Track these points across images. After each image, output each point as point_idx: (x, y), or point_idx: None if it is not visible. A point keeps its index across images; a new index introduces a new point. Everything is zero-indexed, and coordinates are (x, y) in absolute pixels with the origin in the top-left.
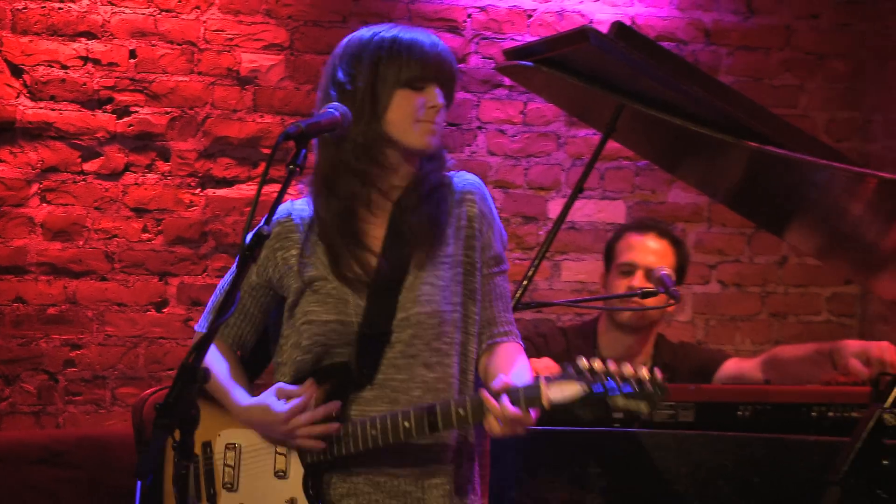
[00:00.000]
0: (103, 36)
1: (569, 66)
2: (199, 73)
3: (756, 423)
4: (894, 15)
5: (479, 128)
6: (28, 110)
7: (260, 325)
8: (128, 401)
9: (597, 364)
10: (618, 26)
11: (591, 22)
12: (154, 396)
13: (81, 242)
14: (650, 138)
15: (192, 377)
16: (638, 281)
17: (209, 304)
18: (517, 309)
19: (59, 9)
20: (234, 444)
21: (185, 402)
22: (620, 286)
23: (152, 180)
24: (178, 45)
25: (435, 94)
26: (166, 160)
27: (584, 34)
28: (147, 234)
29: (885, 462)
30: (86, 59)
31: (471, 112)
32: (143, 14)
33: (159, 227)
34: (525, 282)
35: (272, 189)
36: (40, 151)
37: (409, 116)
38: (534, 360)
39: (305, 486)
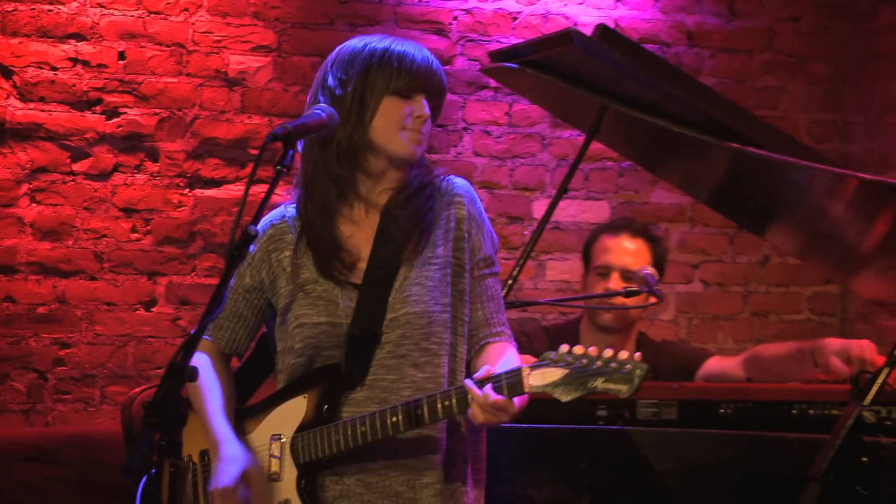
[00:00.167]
0: (92, 38)
1: (553, 67)
2: (188, 75)
3: (738, 420)
4: (874, 18)
5: (465, 129)
6: (18, 111)
7: (254, 329)
8: (117, 399)
9: (577, 349)
10: (601, 29)
11: (575, 24)
12: (143, 395)
13: (71, 242)
14: (633, 139)
15: (181, 376)
16: (614, 283)
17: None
18: None
19: (49, 11)
20: None
21: (173, 401)
22: (598, 288)
23: (141, 181)
24: (167, 46)
25: (422, 104)
26: (155, 161)
27: (568, 36)
28: (136, 234)
29: (864, 459)
30: (75, 61)
31: (456, 113)
32: (132, 16)
33: (148, 227)
34: (510, 281)
35: (260, 189)
36: (30, 152)
37: (395, 124)
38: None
39: (299, 487)
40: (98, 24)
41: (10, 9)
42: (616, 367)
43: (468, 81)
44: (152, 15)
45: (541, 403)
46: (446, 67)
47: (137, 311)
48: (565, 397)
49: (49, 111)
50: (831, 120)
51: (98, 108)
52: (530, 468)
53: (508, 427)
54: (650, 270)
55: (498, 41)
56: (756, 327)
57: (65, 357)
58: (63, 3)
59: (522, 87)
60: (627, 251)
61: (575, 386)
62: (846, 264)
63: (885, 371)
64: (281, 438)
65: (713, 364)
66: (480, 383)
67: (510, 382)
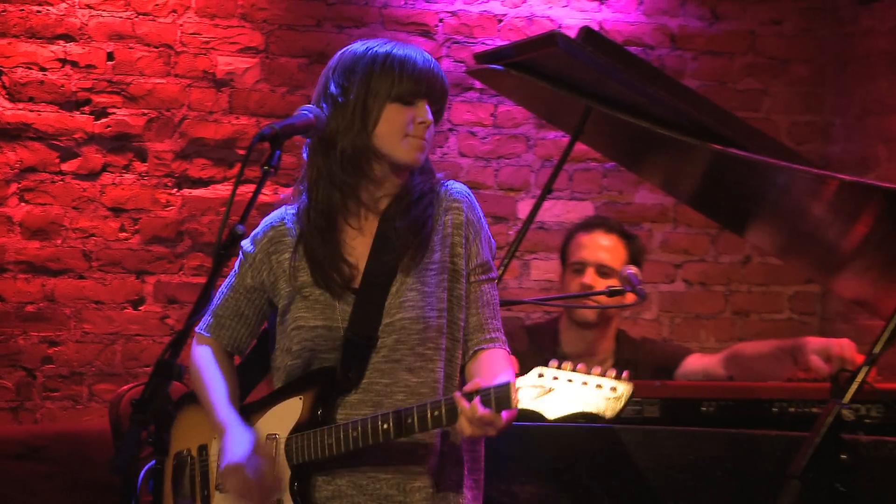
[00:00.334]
0: (81, 38)
1: (538, 69)
2: (176, 76)
3: (719, 418)
4: (854, 22)
5: (451, 130)
6: (7, 111)
7: (255, 327)
8: (105, 397)
9: (566, 366)
10: (586, 31)
11: (559, 27)
12: (130, 392)
13: (59, 241)
14: (617, 140)
15: (168, 373)
16: (590, 278)
17: (210, 305)
18: None
19: (38, 12)
20: None
21: (160, 398)
22: (574, 284)
23: (129, 180)
24: (155, 47)
25: (425, 110)
26: (143, 161)
27: (552, 39)
28: (124, 234)
29: (843, 456)
30: (64, 62)
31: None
32: (121, 17)
33: (136, 227)
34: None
35: (247, 189)
36: (19, 152)
37: (398, 131)
38: None
39: (292, 489)
40: (87, 24)
41: None
42: (602, 387)
43: (454, 83)
44: (141, 16)
45: None
46: None
47: (125, 310)
48: (551, 416)
49: (38, 111)
50: (812, 122)
51: (87, 108)
52: (513, 466)
53: None
54: (633, 270)
55: (483, 43)
56: (738, 326)
57: (53, 355)
58: (52, 4)
59: (507, 88)
60: (602, 247)
61: (561, 405)
62: (826, 264)
63: (865, 369)
64: (276, 438)
65: (693, 362)
66: (469, 396)
67: (498, 397)
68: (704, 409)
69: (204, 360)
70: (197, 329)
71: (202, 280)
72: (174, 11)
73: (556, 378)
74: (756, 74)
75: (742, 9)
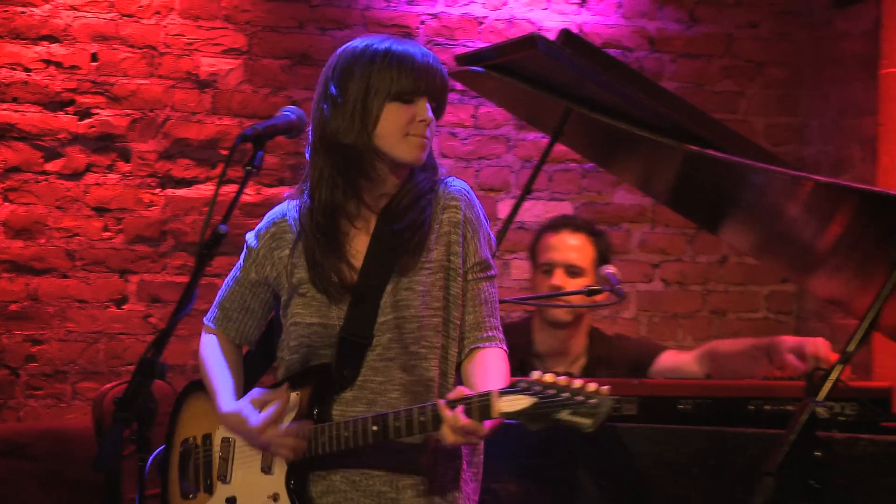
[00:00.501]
0: (65, 39)
1: (518, 71)
2: (160, 77)
3: (696, 416)
4: (829, 25)
5: None
6: None
7: (262, 319)
8: (88, 395)
9: (547, 377)
10: (565, 34)
11: (539, 29)
12: (113, 391)
13: (43, 241)
14: (596, 141)
15: (151, 372)
16: (558, 279)
17: (217, 298)
18: None
19: (22, 13)
20: (230, 437)
21: (143, 396)
22: (544, 286)
23: (113, 180)
24: (139, 48)
25: (425, 108)
26: (127, 161)
27: (532, 41)
28: (108, 233)
29: (817, 453)
30: (48, 62)
31: None
32: (105, 18)
33: (120, 226)
34: None
35: (230, 189)
36: (3, 152)
37: (399, 130)
38: None
39: (287, 482)
40: (71, 26)
41: None
42: (583, 399)
43: None
44: (125, 17)
45: None
46: None
47: (109, 309)
48: (532, 426)
49: (22, 111)
50: (788, 123)
51: (71, 108)
52: (492, 463)
53: None
54: (612, 269)
55: (464, 45)
56: (714, 325)
57: (37, 353)
58: (36, 5)
59: (488, 90)
60: (570, 247)
61: (542, 416)
62: (802, 264)
63: (839, 368)
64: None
65: (667, 358)
66: (452, 404)
67: (480, 406)
68: (681, 406)
69: (210, 351)
70: (204, 321)
71: (185, 279)
72: (158, 13)
73: (537, 389)
74: (733, 77)
75: (719, 12)
